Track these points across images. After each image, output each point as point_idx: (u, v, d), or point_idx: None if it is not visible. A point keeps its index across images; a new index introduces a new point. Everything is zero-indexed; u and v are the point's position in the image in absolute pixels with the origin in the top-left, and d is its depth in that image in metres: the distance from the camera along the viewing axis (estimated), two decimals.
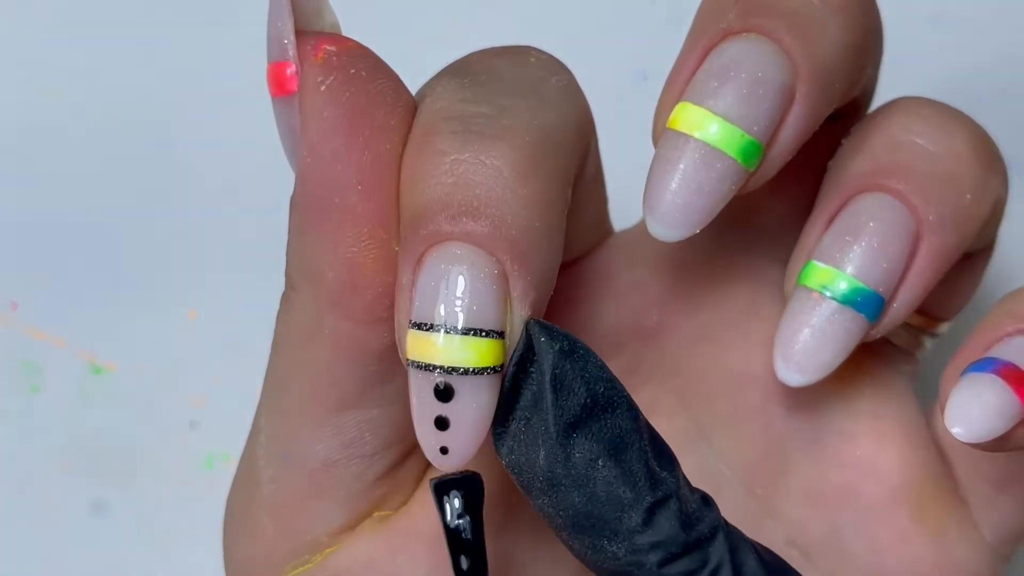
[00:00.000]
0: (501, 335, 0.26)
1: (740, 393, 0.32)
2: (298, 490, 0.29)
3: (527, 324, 0.27)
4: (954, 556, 0.32)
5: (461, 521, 0.27)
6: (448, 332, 0.26)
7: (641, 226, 0.32)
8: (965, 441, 0.28)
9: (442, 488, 0.27)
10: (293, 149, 0.27)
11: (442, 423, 0.26)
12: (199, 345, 0.40)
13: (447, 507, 0.27)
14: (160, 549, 0.39)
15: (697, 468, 0.32)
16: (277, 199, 0.28)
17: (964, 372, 0.29)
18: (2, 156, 0.40)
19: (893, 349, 0.33)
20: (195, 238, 0.40)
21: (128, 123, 0.40)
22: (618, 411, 0.26)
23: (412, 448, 0.30)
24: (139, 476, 0.40)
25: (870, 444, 0.32)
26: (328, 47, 0.27)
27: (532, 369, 0.26)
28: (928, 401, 0.33)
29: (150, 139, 0.41)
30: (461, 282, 0.26)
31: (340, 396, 0.28)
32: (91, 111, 0.40)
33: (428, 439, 0.26)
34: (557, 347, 0.26)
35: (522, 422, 0.27)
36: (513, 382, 0.27)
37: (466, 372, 0.26)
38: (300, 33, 0.27)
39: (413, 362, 0.26)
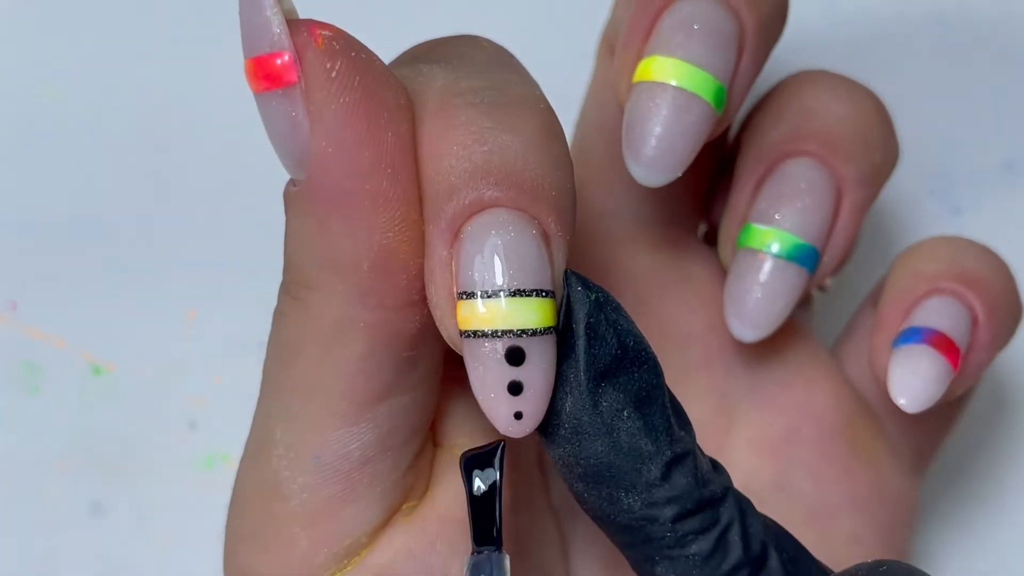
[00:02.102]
0: (554, 293, 0.27)
1: (683, 354, 0.34)
2: (335, 494, 0.29)
3: (565, 274, 0.27)
4: (887, 481, 0.34)
5: (488, 491, 0.27)
6: (513, 295, 0.26)
7: None
8: (910, 411, 0.31)
9: (473, 462, 0.27)
10: (296, 142, 0.27)
11: (516, 388, 0.26)
12: (199, 345, 0.40)
13: (475, 480, 0.27)
14: (160, 549, 0.39)
15: None
16: (277, 199, 0.28)
17: (896, 344, 0.32)
18: (2, 156, 0.40)
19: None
20: (195, 238, 0.40)
21: (128, 123, 0.40)
22: (645, 366, 0.27)
23: (429, 431, 0.30)
24: (139, 476, 0.40)
25: (804, 388, 0.35)
26: (323, 32, 0.26)
27: (567, 320, 0.27)
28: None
29: (150, 139, 0.41)
30: (514, 245, 0.26)
31: (376, 388, 0.28)
32: (91, 111, 0.40)
33: (501, 407, 0.27)
34: (593, 297, 0.27)
35: None
36: None
37: (534, 333, 0.26)
38: (289, 21, 0.26)
39: (471, 332, 0.26)
